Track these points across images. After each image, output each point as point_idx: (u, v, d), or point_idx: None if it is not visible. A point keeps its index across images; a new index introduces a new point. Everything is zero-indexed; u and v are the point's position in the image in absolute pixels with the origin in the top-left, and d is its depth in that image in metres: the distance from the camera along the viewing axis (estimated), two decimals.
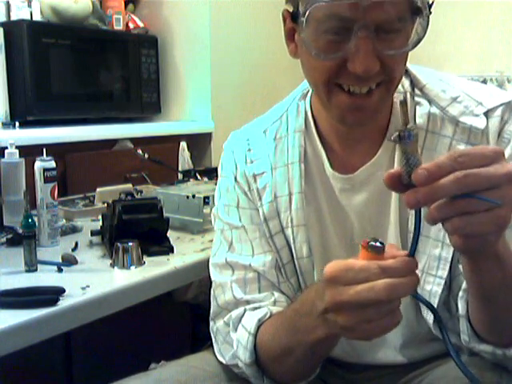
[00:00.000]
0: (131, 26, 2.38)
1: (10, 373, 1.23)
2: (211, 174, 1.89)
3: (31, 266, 1.14)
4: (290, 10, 0.83)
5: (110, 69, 2.18)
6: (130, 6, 2.45)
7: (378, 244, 0.65)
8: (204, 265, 1.05)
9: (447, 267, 0.85)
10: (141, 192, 1.75)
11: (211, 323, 0.97)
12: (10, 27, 1.89)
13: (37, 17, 2.04)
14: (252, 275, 0.92)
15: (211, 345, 0.98)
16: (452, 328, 0.85)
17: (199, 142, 2.38)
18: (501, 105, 0.86)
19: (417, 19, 0.79)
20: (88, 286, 1.06)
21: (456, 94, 0.88)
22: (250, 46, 2.52)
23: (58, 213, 1.36)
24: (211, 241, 1.14)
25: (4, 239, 1.35)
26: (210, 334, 0.98)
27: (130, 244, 1.19)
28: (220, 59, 2.39)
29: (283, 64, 2.11)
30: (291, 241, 0.92)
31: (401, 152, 0.62)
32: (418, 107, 0.89)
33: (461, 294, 0.81)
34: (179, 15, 2.40)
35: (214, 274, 0.97)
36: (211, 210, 1.08)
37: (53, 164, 1.34)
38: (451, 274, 0.86)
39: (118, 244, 1.19)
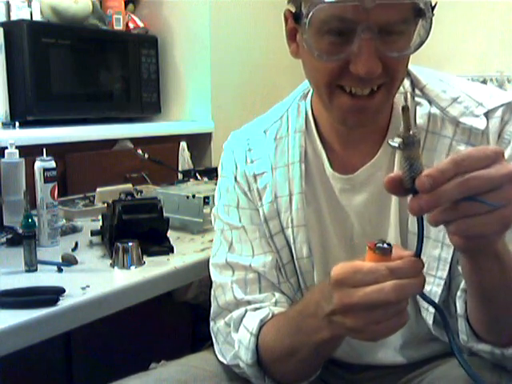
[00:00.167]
0: (131, 25, 2.38)
1: (9, 373, 1.23)
2: (211, 173, 1.89)
3: (31, 265, 1.14)
4: (293, 10, 0.83)
5: (109, 69, 2.18)
6: (130, 5, 2.45)
7: (385, 245, 0.65)
8: (204, 265, 1.05)
9: (447, 268, 0.85)
10: (141, 192, 1.75)
11: (212, 323, 0.97)
12: (10, 27, 1.89)
13: (37, 17, 2.04)
14: (252, 276, 0.92)
15: (211, 345, 0.98)
16: (451, 328, 0.85)
17: (199, 142, 2.38)
18: (501, 105, 0.86)
19: (419, 21, 0.78)
20: (88, 286, 1.06)
21: (456, 95, 0.88)
22: (250, 46, 2.52)
23: (58, 213, 1.36)
24: (211, 241, 1.15)
25: (4, 239, 1.35)
26: (210, 333, 0.98)
27: (130, 244, 1.19)
28: (220, 59, 2.39)
29: (283, 64, 2.11)
30: (291, 241, 0.92)
31: (403, 158, 0.62)
32: (418, 107, 0.89)
33: (459, 293, 0.81)
34: (179, 15, 2.40)
35: (215, 275, 0.97)
36: (211, 210, 1.08)
37: (53, 164, 1.34)
38: (450, 275, 0.86)
39: (118, 244, 1.19)
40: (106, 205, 1.44)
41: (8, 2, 2.00)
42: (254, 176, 0.95)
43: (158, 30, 2.42)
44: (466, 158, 0.58)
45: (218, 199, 1.00)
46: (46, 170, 1.32)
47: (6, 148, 1.48)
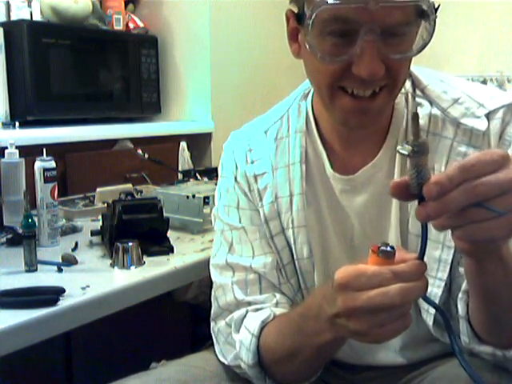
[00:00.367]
0: (131, 25, 2.38)
1: (10, 373, 1.23)
2: (211, 173, 1.89)
3: (31, 265, 1.14)
4: (295, 10, 0.82)
5: (109, 69, 2.18)
6: (130, 5, 2.45)
7: (388, 249, 0.65)
8: (204, 265, 1.05)
9: (447, 269, 0.85)
10: (141, 192, 1.75)
11: (212, 324, 0.97)
12: (10, 27, 1.89)
13: (37, 17, 2.04)
14: (253, 276, 0.92)
15: (211, 344, 0.98)
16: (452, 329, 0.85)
17: (199, 142, 2.38)
18: (502, 106, 0.86)
19: (421, 23, 0.78)
20: (88, 286, 1.06)
21: (457, 96, 0.88)
22: (250, 46, 2.52)
23: (58, 213, 1.36)
24: (211, 241, 1.15)
25: (4, 239, 1.35)
26: (210, 333, 0.98)
27: (130, 244, 1.19)
28: (220, 59, 2.39)
29: (283, 64, 2.11)
30: (292, 242, 0.92)
31: (411, 164, 0.61)
32: (419, 108, 0.89)
33: (460, 295, 0.81)
34: (179, 15, 2.40)
35: (215, 275, 0.97)
36: (211, 210, 1.08)
37: (53, 164, 1.34)
38: (451, 276, 0.86)
39: (118, 244, 1.19)
40: (106, 205, 1.44)
41: (8, 2, 2.00)
42: (255, 176, 0.95)
43: (158, 30, 2.42)
44: (474, 164, 0.58)
45: (218, 199, 1.00)
46: (46, 169, 1.32)
47: (6, 148, 1.48)
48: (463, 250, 0.64)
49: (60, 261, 1.20)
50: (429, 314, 0.87)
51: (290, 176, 0.92)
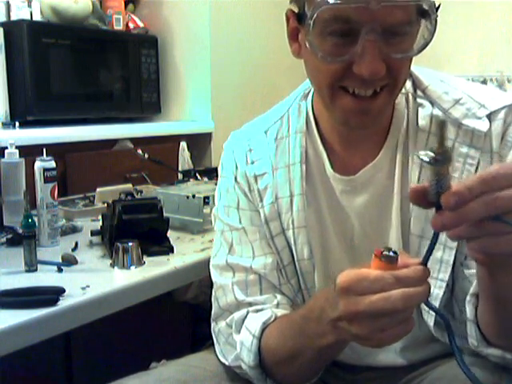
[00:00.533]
0: (131, 25, 2.38)
1: (10, 373, 1.23)
2: (211, 174, 1.89)
3: (31, 265, 1.14)
4: (295, 10, 0.82)
5: (109, 69, 2.18)
6: (130, 5, 2.45)
7: (391, 253, 0.65)
8: (204, 265, 1.05)
9: (449, 270, 0.85)
10: (141, 192, 1.75)
11: (213, 324, 0.97)
12: (10, 27, 1.89)
13: (37, 17, 2.04)
14: (253, 277, 0.92)
15: (211, 344, 0.98)
16: (454, 330, 0.84)
17: (199, 142, 2.38)
18: (503, 107, 0.85)
19: (422, 22, 0.78)
20: (88, 286, 1.06)
21: (458, 96, 0.88)
22: (250, 46, 2.52)
23: (57, 213, 1.36)
24: (211, 241, 1.15)
25: (4, 239, 1.35)
26: (210, 333, 0.98)
27: (130, 244, 1.19)
28: (220, 59, 2.39)
29: (283, 64, 2.11)
30: (292, 242, 0.92)
31: (432, 172, 0.60)
32: (420, 109, 0.89)
33: (468, 298, 0.81)
34: (179, 15, 2.40)
35: (215, 276, 0.97)
36: (211, 210, 1.08)
37: (53, 164, 1.34)
38: (454, 277, 0.86)
39: (118, 244, 1.19)
40: (106, 205, 1.44)
41: (8, 2, 2.00)
42: (255, 177, 0.95)
43: (158, 30, 2.42)
44: (495, 176, 0.57)
45: (218, 200, 1.00)
46: (45, 169, 1.32)
47: (6, 148, 1.48)
48: (477, 260, 0.64)
49: (60, 261, 1.19)
50: (430, 315, 0.87)
51: (290, 176, 0.92)
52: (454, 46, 2.55)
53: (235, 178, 0.97)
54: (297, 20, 0.82)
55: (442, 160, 0.59)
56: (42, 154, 1.34)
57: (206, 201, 1.44)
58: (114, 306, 1.07)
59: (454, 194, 0.57)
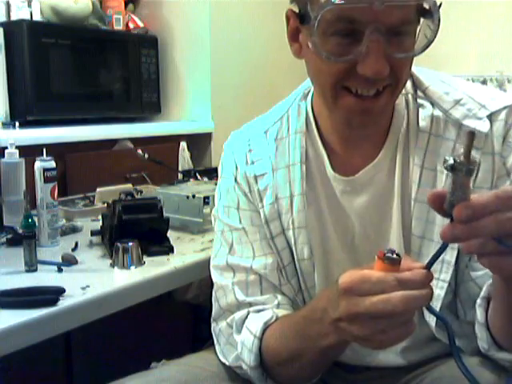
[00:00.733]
0: (131, 25, 2.38)
1: (10, 373, 1.23)
2: (211, 174, 1.89)
3: (31, 265, 1.14)
4: (296, 10, 0.82)
5: (110, 69, 2.18)
6: (130, 5, 2.44)
7: (394, 256, 0.65)
8: (204, 265, 1.05)
9: (450, 270, 0.85)
10: (141, 192, 1.75)
11: (213, 324, 0.97)
12: (10, 27, 1.89)
13: (37, 17, 2.03)
14: (253, 277, 0.92)
15: (212, 344, 0.98)
16: (457, 331, 0.85)
17: (199, 142, 2.38)
18: (504, 108, 0.85)
19: (425, 22, 0.78)
20: (88, 286, 1.06)
21: (459, 97, 0.88)
22: (250, 46, 2.52)
23: (57, 213, 1.36)
24: (211, 241, 1.14)
25: (4, 239, 1.35)
26: (210, 333, 0.98)
27: (130, 244, 1.19)
28: (220, 59, 2.39)
29: (283, 64, 2.11)
30: (292, 242, 0.92)
31: (451, 181, 0.59)
32: (420, 109, 0.89)
33: (479, 301, 0.81)
34: (179, 15, 2.40)
35: (215, 276, 0.97)
36: (211, 210, 1.08)
37: (53, 164, 1.34)
38: (457, 279, 0.86)
39: (118, 244, 1.19)
40: (106, 205, 1.44)
41: (8, 2, 2.00)
42: (255, 177, 0.94)
43: (158, 30, 2.42)
44: (511, 196, 0.56)
45: (218, 200, 1.00)
46: (45, 170, 1.32)
47: (6, 148, 1.48)
48: (490, 271, 0.64)
49: (60, 261, 1.19)
50: (432, 316, 0.87)
51: (290, 177, 0.92)
52: (454, 46, 2.55)
53: (235, 179, 0.97)
54: (298, 20, 0.82)
55: (463, 170, 0.57)
56: (42, 154, 1.34)
57: (206, 201, 1.44)
58: (114, 306, 1.07)
59: (467, 207, 0.57)
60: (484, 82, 2.50)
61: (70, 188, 1.85)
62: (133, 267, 1.18)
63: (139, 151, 1.85)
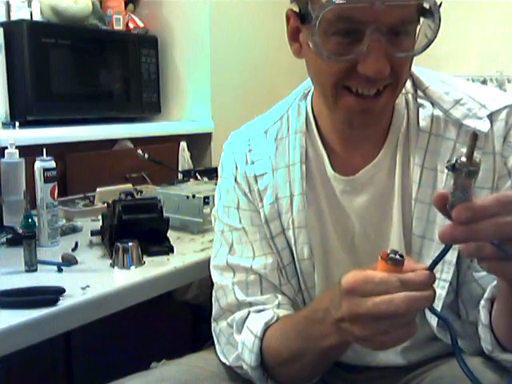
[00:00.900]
0: (131, 25, 2.38)
1: (10, 373, 1.23)
2: (211, 174, 1.89)
3: (31, 265, 1.14)
4: (296, 9, 0.82)
5: (110, 69, 2.18)
6: (130, 6, 2.45)
7: (397, 257, 0.65)
8: (204, 265, 1.05)
9: (451, 270, 0.85)
10: (141, 192, 1.75)
11: (213, 324, 0.97)
12: (10, 27, 1.89)
13: (37, 17, 2.03)
14: (253, 277, 0.92)
15: (212, 344, 0.98)
16: (459, 331, 0.85)
17: (199, 142, 2.38)
18: (504, 107, 0.85)
19: (425, 21, 0.78)
20: (88, 286, 1.06)
21: (459, 97, 0.88)
22: (250, 46, 2.52)
23: (58, 213, 1.36)
24: (211, 241, 1.14)
25: (4, 239, 1.35)
26: (210, 333, 0.98)
27: (130, 244, 1.19)
28: (220, 59, 2.39)
29: (283, 64, 2.11)
30: (292, 242, 0.92)
31: (453, 182, 0.58)
32: (420, 109, 0.88)
33: (483, 303, 0.81)
34: (179, 15, 2.40)
35: (215, 276, 0.97)
36: (211, 210, 1.08)
37: (53, 164, 1.34)
38: (459, 279, 0.86)
39: (118, 244, 1.18)
40: (106, 205, 1.44)
41: (8, 2, 2.00)
42: (255, 177, 0.94)
43: (158, 30, 2.42)
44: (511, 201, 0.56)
45: (218, 200, 1.00)
46: (45, 170, 1.32)
47: (6, 148, 1.48)
48: (492, 274, 0.64)
49: (60, 261, 1.19)
50: (433, 316, 0.86)
51: (290, 176, 0.92)
52: (454, 46, 2.55)
53: (235, 179, 0.97)
54: (299, 20, 0.82)
55: (464, 171, 0.57)
56: (42, 154, 1.34)
57: (206, 201, 1.44)
58: (114, 306, 1.07)
59: (468, 208, 0.56)
60: (484, 82, 2.50)
61: (69, 188, 1.85)
62: (133, 267, 1.18)
63: (139, 151, 1.85)
